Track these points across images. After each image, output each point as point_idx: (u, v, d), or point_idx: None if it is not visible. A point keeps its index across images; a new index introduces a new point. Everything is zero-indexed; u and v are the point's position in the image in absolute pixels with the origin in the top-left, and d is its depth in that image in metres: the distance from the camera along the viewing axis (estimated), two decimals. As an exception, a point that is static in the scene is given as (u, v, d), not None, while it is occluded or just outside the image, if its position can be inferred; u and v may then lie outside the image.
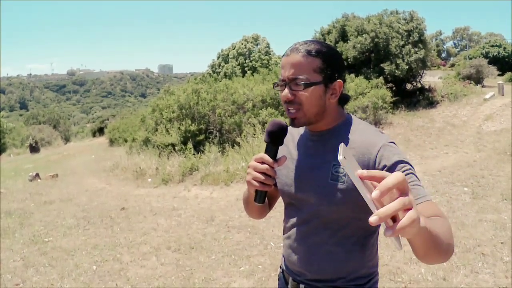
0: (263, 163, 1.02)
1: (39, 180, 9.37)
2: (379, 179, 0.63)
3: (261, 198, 1.05)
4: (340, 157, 0.64)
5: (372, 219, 0.59)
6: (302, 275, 1.15)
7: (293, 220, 1.16)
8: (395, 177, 0.61)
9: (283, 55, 1.08)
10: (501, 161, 6.43)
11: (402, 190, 0.62)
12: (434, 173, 6.11)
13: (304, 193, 1.11)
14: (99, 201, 6.62)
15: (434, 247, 0.79)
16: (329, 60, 1.04)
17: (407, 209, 0.61)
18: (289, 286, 1.20)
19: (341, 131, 1.09)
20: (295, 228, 1.15)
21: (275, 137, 1.05)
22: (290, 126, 1.11)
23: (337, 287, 1.10)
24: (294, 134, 1.20)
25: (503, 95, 13.52)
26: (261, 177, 1.01)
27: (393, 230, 0.59)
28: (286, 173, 1.16)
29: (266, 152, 1.05)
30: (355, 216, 1.05)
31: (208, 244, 4.16)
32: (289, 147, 1.18)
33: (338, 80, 1.05)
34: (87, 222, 5.30)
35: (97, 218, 5.46)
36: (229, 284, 3.24)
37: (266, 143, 1.06)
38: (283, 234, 1.23)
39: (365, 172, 0.63)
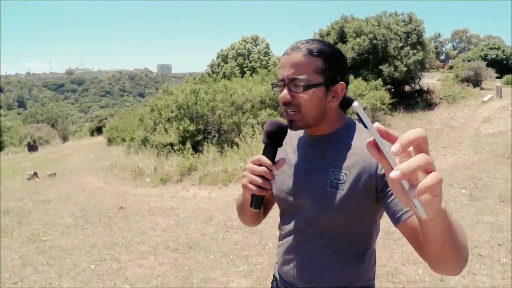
0: (260, 165, 0.95)
1: (37, 179, 9.35)
2: (395, 139, 0.55)
3: (258, 203, 0.99)
4: (355, 103, 0.58)
5: (393, 174, 0.51)
6: (294, 286, 1.11)
7: (288, 227, 1.11)
8: (417, 132, 0.53)
9: (283, 54, 1.00)
10: (498, 163, 6.45)
11: (422, 149, 0.53)
12: (432, 174, 6.13)
13: (301, 200, 1.05)
14: (97, 200, 6.61)
15: (452, 239, 0.72)
16: (332, 61, 0.97)
17: (429, 171, 0.53)
18: None
19: (342, 136, 1.03)
20: (290, 237, 1.10)
21: (274, 138, 0.98)
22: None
23: None
24: (292, 136, 1.13)
25: (501, 97, 13.56)
26: (259, 180, 0.94)
27: (418, 189, 0.52)
28: (282, 179, 1.09)
29: (263, 153, 0.98)
30: (352, 224, 1.01)
31: (207, 244, 4.16)
32: (287, 150, 1.12)
33: (341, 82, 0.99)
34: (85, 221, 5.29)
35: (95, 217, 5.46)
36: (227, 284, 3.25)
37: (264, 144, 0.99)
38: (278, 241, 1.18)
39: (382, 126, 0.56)
